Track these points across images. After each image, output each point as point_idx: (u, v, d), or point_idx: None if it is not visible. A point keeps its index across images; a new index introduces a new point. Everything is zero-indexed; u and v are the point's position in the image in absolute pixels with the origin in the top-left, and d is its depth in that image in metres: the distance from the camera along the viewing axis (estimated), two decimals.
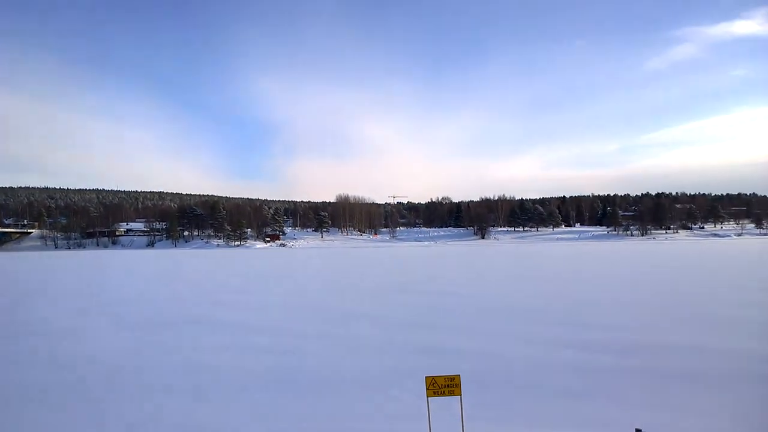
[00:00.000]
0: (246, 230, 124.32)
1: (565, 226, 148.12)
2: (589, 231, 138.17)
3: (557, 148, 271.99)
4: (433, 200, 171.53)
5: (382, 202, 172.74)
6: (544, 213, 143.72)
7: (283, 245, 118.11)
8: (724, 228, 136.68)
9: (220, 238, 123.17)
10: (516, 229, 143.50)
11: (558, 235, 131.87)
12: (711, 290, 22.21)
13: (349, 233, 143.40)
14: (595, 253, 63.68)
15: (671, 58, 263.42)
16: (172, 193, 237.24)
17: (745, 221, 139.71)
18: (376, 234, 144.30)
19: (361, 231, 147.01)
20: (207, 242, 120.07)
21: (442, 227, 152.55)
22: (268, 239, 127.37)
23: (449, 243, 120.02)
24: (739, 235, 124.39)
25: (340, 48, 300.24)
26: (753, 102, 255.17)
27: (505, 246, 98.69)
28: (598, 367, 10.23)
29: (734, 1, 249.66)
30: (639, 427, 6.79)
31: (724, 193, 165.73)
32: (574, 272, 34.43)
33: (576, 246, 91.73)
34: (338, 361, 11.06)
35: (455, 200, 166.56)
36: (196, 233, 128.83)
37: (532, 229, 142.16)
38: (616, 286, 24.86)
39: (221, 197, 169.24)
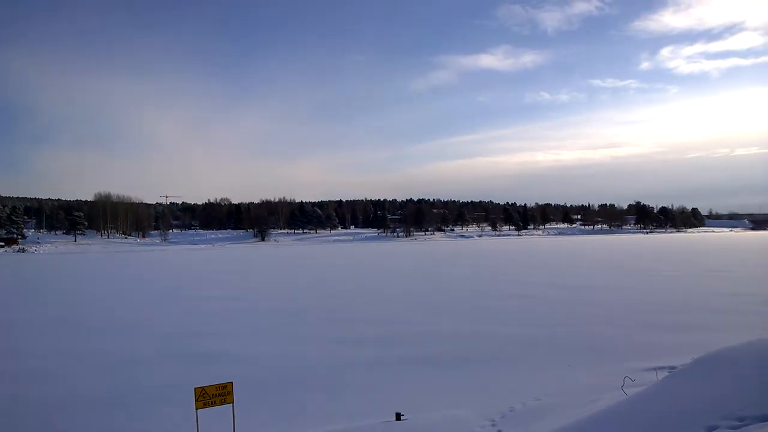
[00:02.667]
0: None
1: (342, 228, 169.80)
2: (362, 233, 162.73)
3: (337, 154, 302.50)
4: (211, 201, 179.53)
5: (153, 202, 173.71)
6: (323, 216, 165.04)
7: (23, 250, 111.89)
8: (468, 230, 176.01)
9: None
10: (296, 231, 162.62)
11: (335, 237, 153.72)
12: (456, 284, 28.49)
13: (110, 236, 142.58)
14: (365, 253, 75.02)
15: (431, 82, 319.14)
16: None
17: (484, 224, 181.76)
18: (144, 237, 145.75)
19: (126, 234, 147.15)
20: None
21: (220, 230, 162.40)
22: (2, 243, 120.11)
23: (227, 245, 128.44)
24: (480, 236, 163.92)
25: (116, 32, 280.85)
26: (493, 124, 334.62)
27: (285, 248, 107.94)
28: (362, 359, 12.15)
29: (481, 37, 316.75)
30: (399, 411, 8.26)
31: (469, 201, 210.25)
32: (345, 271, 41.57)
33: (349, 246, 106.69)
34: (91, 381, 10.79)
35: (235, 202, 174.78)
36: None
37: (311, 232, 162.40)
38: (379, 283, 30.22)
39: None
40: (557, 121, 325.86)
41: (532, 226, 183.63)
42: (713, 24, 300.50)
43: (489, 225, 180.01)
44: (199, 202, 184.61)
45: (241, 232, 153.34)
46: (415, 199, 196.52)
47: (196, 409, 6.52)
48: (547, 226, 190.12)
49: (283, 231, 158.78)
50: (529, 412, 8.92)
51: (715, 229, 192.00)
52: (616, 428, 6.78)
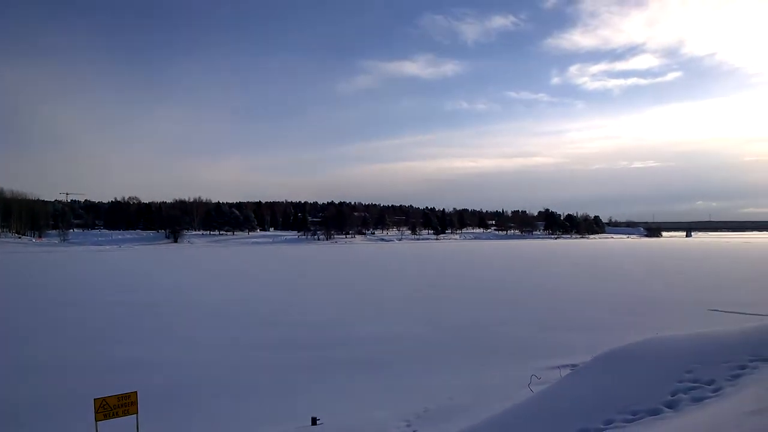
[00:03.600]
0: None
1: (261, 230, 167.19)
2: (281, 235, 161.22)
3: (257, 154, 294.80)
4: (119, 200, 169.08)
5: (52, 199, 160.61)
6: (241, 217, 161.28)
7: None
8: (389, 234, 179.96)
9: None
10: (212, 232, 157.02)
11: (253, 239, 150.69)
12: (373, 287, 29.28)
13: (2, 236, 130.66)
14: (284, 255, 74.43)
15: (355, 85, 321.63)
16: None
17: (404, 228, 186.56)
18: (40, 237, 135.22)
19: (20, 233, 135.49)
20: None
21: (129, 230, 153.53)
22: None
23: (136, 247, 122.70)
24: (400, 239, 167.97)
25: (13, 16, 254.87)
26: (415, 130, 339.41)
27: (199, 250, 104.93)
28: (278, 363, 12.15)
29: (405, 45, 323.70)
30: (315, 416, 8.21)
31: (390, 204, 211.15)
32: (261, 274, 40.75)
33: (267, 249, 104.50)
34: None
35: (145, 201, 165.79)
36: None
37: (228, 233, 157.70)
38: (295, 286, 30.10)
39: None
40: (475, 130, 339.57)
41: (450, 231, 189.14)
42: (617, 45, 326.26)
43: (409, 229, 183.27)
44: (105, 201, 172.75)
45: (151, 233, 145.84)
46: (337, 202, 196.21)
47: (96, 421, 6.22)
48: (464, 230, 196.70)
49: (197, 232, 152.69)
50: (443, 412, 9.34)
51: (614, 236, 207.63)
52: (523, 424, 7.16)
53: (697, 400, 6.12)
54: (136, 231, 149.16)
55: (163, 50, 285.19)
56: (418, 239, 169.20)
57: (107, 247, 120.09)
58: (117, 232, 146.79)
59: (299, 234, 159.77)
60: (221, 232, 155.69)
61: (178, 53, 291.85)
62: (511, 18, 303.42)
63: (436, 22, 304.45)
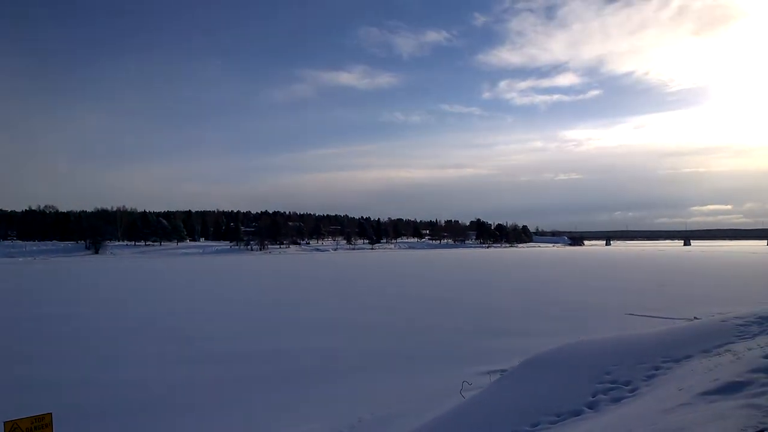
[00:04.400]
0: None
1: (190, 240, 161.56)
2: (212, 245, 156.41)
3: (186, 162, 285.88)
4: (34, 209, 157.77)
5: None
6: (169, 227, 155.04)
7: None
8: (324, 243, 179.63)
9: None
10: (137, 243, 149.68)
11: (183, 250, 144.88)
12: (303, 299, 28.75)
13: None
14: (212, 268, 71.33)
15: (290, 94, 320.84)
16: None
17: (340, 238, 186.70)
18: None
19: None
20: None
21: (44, 240, 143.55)
22: None
23: (52, 259, 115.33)
24: (335, 249, 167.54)
25: None
26: (351, 140, 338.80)
27: (122, 262, 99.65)
28: (203, 379, 11.68)
29: (341, 55, 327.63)
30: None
31: (325, 214, 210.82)
32: (185, 286, 39.35)
33: (196, 260, 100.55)
34: None
35: (63, 210, 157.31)
36: None
37: (155, 244, 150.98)
38: (221, 299, 29.31)
39: None
40: (410, 141, 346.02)
41: (385, 240, 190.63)
42: (542, 63, 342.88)
43: (344, 239, 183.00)
44: (18, 210, 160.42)
45: (69, 244, 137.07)
46: (271, 212, 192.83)
47: None
48: (399, 240, 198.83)
49: (121, 243, 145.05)
50: (378, 421, 9.30)
51: (541, 245, 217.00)
52: (456, 430, 7.26)
53: (616, 400, 6.46)
54: (52, 242, 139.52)
55: (80, 51, 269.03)
56: (353, 249, 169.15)
57: (20, 259, 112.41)
58: (31, 243, 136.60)
59: (231, 244, 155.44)
60: (147, 243, 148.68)
61: (95, 54, 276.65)
62: (444, 33, 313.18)
63: (372, 34, 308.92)
